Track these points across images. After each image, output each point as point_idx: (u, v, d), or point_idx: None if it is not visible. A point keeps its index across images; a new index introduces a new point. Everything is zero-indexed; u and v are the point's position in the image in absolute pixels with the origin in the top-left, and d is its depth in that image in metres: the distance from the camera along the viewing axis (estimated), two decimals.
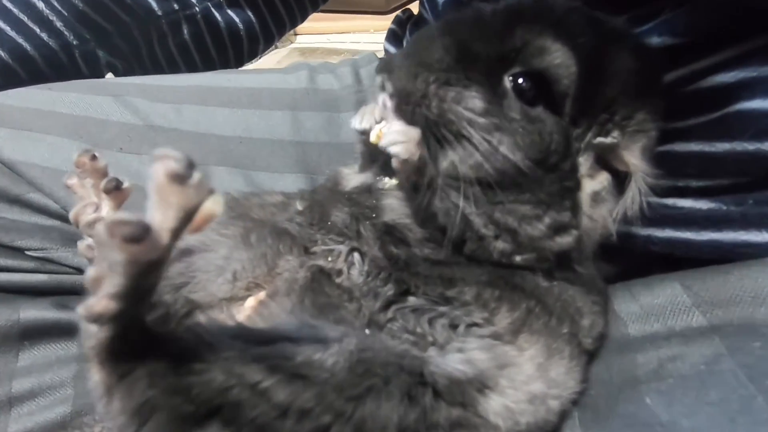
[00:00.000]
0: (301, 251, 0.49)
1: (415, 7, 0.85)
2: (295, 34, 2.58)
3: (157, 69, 0.85)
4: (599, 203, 0.48)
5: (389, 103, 0.46)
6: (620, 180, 0.48)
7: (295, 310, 0.44)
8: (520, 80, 0.45)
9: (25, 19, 0.74)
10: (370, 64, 0.82)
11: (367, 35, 2.55)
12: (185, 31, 0.84)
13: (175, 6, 0.82)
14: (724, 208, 0.48)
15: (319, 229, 0.50)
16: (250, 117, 0.72)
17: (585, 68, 0.44)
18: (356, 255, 0.47)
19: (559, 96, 0.45)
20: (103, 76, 0.82)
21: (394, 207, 0.49)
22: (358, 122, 0.49)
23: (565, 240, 0.46)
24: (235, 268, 0.48)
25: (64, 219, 0.60)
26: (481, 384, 0.40)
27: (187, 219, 0.27)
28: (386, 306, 0.44)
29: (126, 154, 0.66)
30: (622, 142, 0.47)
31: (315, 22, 1.57)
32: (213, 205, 0.28)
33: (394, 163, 0.44)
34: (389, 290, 0.45)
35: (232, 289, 0.48)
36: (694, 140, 0.49)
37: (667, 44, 0.50)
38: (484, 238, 0.45)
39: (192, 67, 0.88)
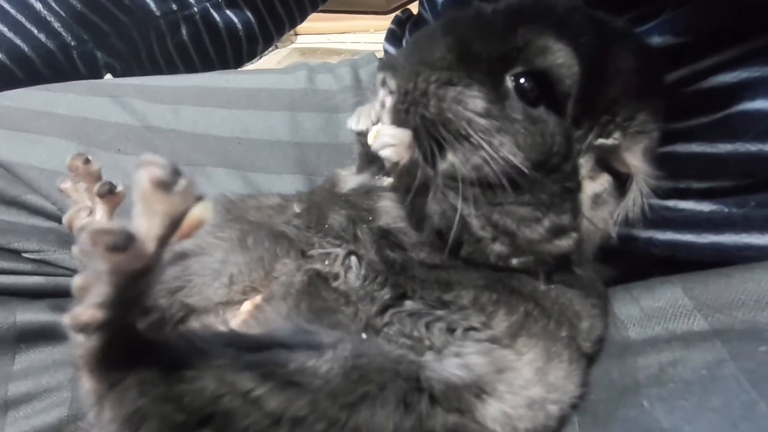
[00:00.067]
0: (298, 254, 0.49)
1: (414, 8, 0.84)
2: (296, 34, 2.58)
3: (156, 69, 0.85)
4: (600, 205, 0.48)
5: (388, 101, 0.46)
6: (621, 182, 0.48)
7: (291, 314, 0.44)
8: (522, 80, 0.44)
9: (23, 19, 0.73)
10: (369, 65, 0.82)
11: (368, 35, 2.55)
12: (184, 32, 0.83)
13: (174, 6, 0.81)
14: (726, 210, 0.48)
15: (316, 232, 0.49)
16: (248, 118, 0.72)
17: (587, 68, 0.44)
18: (353, 258, 0.47)
19: (561, 96, 0.45)
20: (101, 77, 0.82)
21: (389, 211, 0.48)
22: (354, 123, 0.49)
23: (564, 243, 0.45)
24: (232, 272, 0.48)
25: (61, 221, 0.59)
26: (479, 389, 0.39)
27: (173, 226, 0.27)
28: (383, 310, 0.44)
29: (124, 156, 0.65)
30: (623, 144, 0.46)
31: (315, 22, 1.57)
32: (201, 211, 0.27)
33: (386, 165, 0.44)
34: (386, 294, 0.44)
35: (228, 293, 0.48)
36: (695, 141, 0.48)
37: (668, 44, 0.49)
38: (481, 240, 0.45)
39: (191, 68, 0.87)
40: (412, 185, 0.45)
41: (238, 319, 0.46)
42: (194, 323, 0.47)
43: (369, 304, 0.44)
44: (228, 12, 0.86)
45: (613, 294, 0.52)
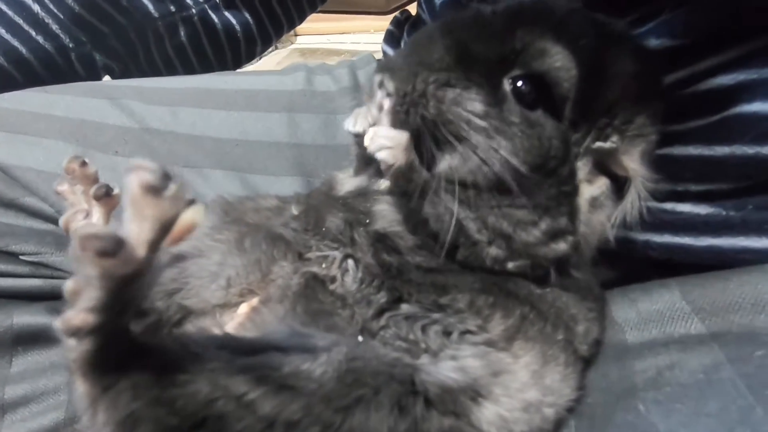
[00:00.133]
0: (295, 257, 0.49)
1: (413, 9, 0.84)
2: (296, 35, 2.58)
3: (154, 71, 0.85)
4: (597, 208, 0.48)
5: (387, 103, 0.45)
6: (619, 185, 0.47)
7: (287, 317, 0.44)
8: (520, 83, 0.44)
9: (21, 21, 0.73)
10: (367, 66, 0.81)
11: (368, 36, 2.55)
12: (182, 33, 0.83)
13: (172, 8, 0.81)
14: (724, 213, 0.48)
15: (313, 235, 0.49)
16: (246, 119, 0.72)
17: (585, 71, 0.43)
18: (350, 262, 0.47)
19: (559, 99, 0.44)
20: (99, 79, 0.82)
21: (386, 214, 0.48)
22: (351, 125, 0.49)
23: (560, 246, 0.45)
24: (229, 274, 0.48)
25: (59, 223, 0.59)
26: (475, 392, 0.39)
27: (164, 231, 0.27)
28: (379, 313, 0.44)
29: (122, 158, 0.65)
30: (621, 147, 0.46)
31: (315, 22, 1.57)
32: (193, 216, 0.27)
33: (382, 167, 0.44)
34: (382, 297, 0.44)
35: (225, 295, 0.48)
36: (693, 143, 0.48)
37: (665, 46, 0.49)
38: (477, 243, 0.44)
39: (189, 69, 0.87)
40: (408, 188, 0.45)
41: (235, 321, 0.46)
42: (191, 325, 0.47)
43: (365, 307, 0.44)
44: (226, 13, 0.86)
45: (611, 297, 0.51)
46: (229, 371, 0.32)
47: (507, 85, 0.44)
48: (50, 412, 0.54)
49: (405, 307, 0.44)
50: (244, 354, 0.34)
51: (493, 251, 0.45)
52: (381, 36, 0.87)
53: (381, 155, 0.43)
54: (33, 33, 0.74)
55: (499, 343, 0.42)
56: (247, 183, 0.69)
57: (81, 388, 0.32)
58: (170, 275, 0.47)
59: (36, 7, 0.73)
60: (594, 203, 0.47)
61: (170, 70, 0.86)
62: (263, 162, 0.71)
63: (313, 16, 0.99)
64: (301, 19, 0.96)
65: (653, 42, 0.49)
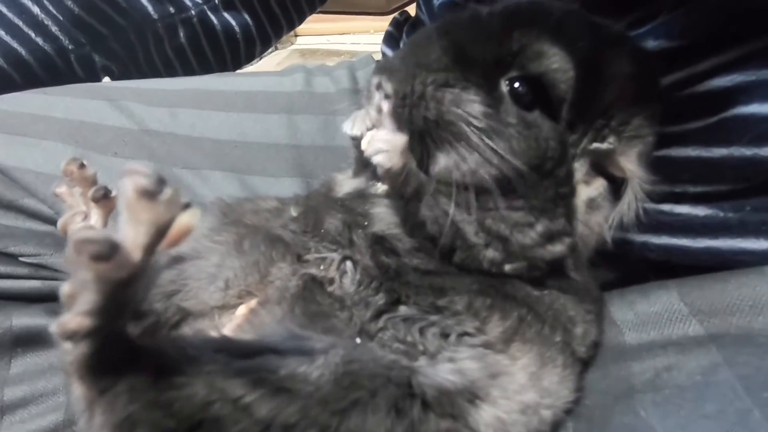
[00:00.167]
0: (294, 259, 0.49)
1: (413, 10, 0.84)
2: (296, 36, 2.58)
3: (154, 72, 0.85)
4: (595, 210, 0.48)
5: (385, 105, 0.45)
6: (616, 186, 0.47)
7: (285, 318, 0.44)
8: (517, 84, 0.44)
9: (20, 23, 0.74)
10: (366, 67, 0.81)
11: (367, 36, 2.55)
12: (181, 35, 0.83)
13: (171, 9, 0.81)
14: (722, 214, 0.48)
15: (312, 237, 0.49)
16: (245, 120, 0.72)
17: (582, 73, 0.43)
18: (348, 263, 0.47)
19: (556, 101, 0.44)
20: (99, 80, 0.82)
21: (383, 217, 0.48)
22: (349, 127, 0.49)
23: (557, 248, 0.45)
24: (228, 276, 0.48)
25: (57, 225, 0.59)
26: (472, 394, 0.39)
27: (159, 235, 0.27)
28: (377, 315, 0.44)
29: (121, 159, 0.66)
30: (618, 148, 0.46)
31: (315, 23, 1.57)
32: (188, 219, 0.27)
33: (379, 171, 0.44)
34: (380, 299, 0.44)
35: (224, 297, 0.48)
36: (690, 145, 0.48)
37: (663, 47, 0.49)
38: (474, 246, 0.44)
39: (189, 71, 0.87)
40: (405, 191, 0.45)
41: (234, 323, 0.46)
42: (189, 327, 0.47)
43: (363, 309, 0.44)
44: (225, 14, 0.86)
45: (609, 299, 0.51)
46: (225, 374, 0.32)
47: (504, 87, 0.44)
48: (49, 413, 0.54)
49: (403, 309, 0.44)
50: (241, 357, 0.34)
51: (490, 254, 0.45)
52: (381, 37, 0.87)
53: (378, 159, 0.43)
54: (32, 35, 0.74)
55: (496, 345, 0.42)
56: (246, 184, 0.69)
57: (78, 391, 0.32)
58: (169, 277, 0.47)
59: (35, 9, 0.74)
60: (591, 204, 0.47)
61: (170, 72, 0.86)
62: (262, 163, 0.71)
63: (313, 16, 0.99)
64: (301, 20, 0.96)
65: (651, 43, 0.49)
